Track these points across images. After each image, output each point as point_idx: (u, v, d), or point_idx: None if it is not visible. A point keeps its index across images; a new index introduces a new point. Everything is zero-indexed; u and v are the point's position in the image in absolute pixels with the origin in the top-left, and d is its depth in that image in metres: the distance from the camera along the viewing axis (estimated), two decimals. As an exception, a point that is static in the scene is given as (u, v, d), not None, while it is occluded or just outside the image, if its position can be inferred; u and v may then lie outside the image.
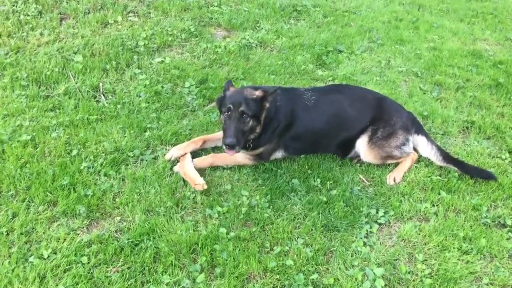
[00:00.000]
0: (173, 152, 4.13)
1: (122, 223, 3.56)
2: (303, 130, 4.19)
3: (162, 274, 3.19)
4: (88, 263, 3.22)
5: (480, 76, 6.01)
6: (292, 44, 6.12)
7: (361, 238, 3.61)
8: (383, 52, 6.39)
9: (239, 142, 3.79)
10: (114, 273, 3.20)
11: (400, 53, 6.42)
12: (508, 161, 4.53)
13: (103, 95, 4.88)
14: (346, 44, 6.38)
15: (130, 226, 3.53)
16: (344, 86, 4.58)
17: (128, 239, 3.40)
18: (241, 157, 4.16)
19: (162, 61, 5.44)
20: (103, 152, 4.14)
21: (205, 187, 3.76)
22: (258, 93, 3.88)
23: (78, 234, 3.45)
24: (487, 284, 3.35)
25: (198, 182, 3.76)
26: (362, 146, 4.27)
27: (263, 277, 3.25)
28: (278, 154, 4.26)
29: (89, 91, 4.87)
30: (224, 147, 3.82)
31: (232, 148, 3.76)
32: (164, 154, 4.17)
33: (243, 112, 3.80)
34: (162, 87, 5.04)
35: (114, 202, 3.73)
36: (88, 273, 3.16)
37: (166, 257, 3.29)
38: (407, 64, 6.15)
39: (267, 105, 3.93)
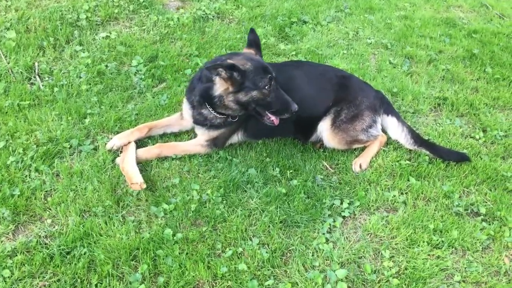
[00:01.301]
0: (114, 141, 3.69)
1: (54, 227, 3.13)
2: None
3: (96, 287, 2.80)
4: (11, 277, 2.80)
5: (453, 47, 5.64)
6: (252, 15, 5.61)
7: (323, 234, 3.29)
8: (351, 22, 5.94)
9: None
10: (40, 287, 2.80)
11: (369, 23, 5.98)
12: (482, 141, 4.23)
13: (39, 76, 4.34)
14: (311, 14, 5.90)
15: (62, 230, 3.11)
16: (303, 63, 4.14)
17: (59, 246, 2.99)
18: (192, 145, 3.75)
19: (107, 36, 4.88)
20: (34, 144, 3.66)
21: (143, 186, 3.34)
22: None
23: (2, 242, 3.02)
24: (459, 282, 3.08)
25: (135, 181, 3.33)
26: (324, 130, 3.89)
27: (212, 285, 2.91)
28: (236, 138, 3.86)
29: (22, 72, 4.32)
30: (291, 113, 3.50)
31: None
32: (105, 144, 3.72)
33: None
34: (106, 66, 4.52)
35: (45, 202, 3.29)
36: (10, 289, 2.75)
37: (102, 266, 2.89)
38: (377, 35, 5.73)
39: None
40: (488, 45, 5.67)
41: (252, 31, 3.75)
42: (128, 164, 3.43)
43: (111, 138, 3.76)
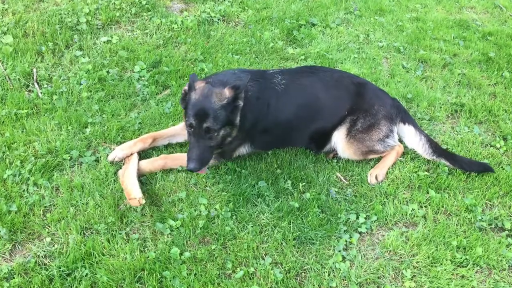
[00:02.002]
0: (116, 153, 3.49)
1: (53, 246, 2.94)
2: (270, 121, 3.56)
3: (99, 312, 2.61)
4: (7, 302, 2.61)
5: (468, 50, 5.42)
6: (259, 18, 5.39)
7: (339, 251, 3.09)
8: (361, 25, 5.73)
9: (204, 163, 3.15)
10: (39, 314, 2.61)
11: (380, 25, 5.76)
12: (503, 150, 4.02)
13: (37, 83, 4.14)
14: (320, 16, 5.68)
15: (62, 249, 2.93)
16: (318, 69, 3.91)
17: (59, 267, 2.80)
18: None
19: (109, 40, 4.68)
20: (33, 156, 3.47)
21: (142, 202, 3.13)
22: (227, 93, 3.13)
23: (-3, 263, 2.83)
24: (486, 304, 2.87)
25: (134, 196, 3.13)
26: (339, 140, 3.68)
27: (223, 309, 2.70)
28: (243, 150, 3.64)
29: (19, 79, 4.12)
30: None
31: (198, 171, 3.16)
32: (107, 155, 3.52)
33: (208, 128, 3.10)
34: (108, 72, 4.32)
35: (44, 218, 3.10)
36: (6, 315, 2.55)
37: (105, 289, 2.70)
38: (388, 38, 5.52)
39: (241, 103, 3.21)
40: (504, 48, 5.45)
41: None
42: (128, 178, 3.23)
43: (113, 149, 3.56)
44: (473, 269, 3.06)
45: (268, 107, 3.50)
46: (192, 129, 3.13)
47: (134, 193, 3.14)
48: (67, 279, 2.76)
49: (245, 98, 3.25)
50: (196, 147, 3.11)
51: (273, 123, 3.57)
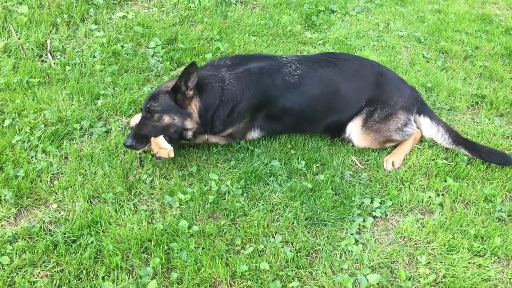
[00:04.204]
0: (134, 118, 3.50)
1: (59, 213, 2.88)
2: (280, 111, 3.46)
3: (103, 280, 2.56)
4: (10, 264, 2.55)
5: (490, 44, 5.29)
6: (277, 2, 5.29)
7: (352, 234, 2.99)
8: (382, 14, 5.61)
9: (140, 142, 3.13)
10: (42, 277, 2.54)
11: (400, 15, 5.64)
12: (525, 143, 3.88)
13: (50, 54, 4.08)
14: (339, 3, 5.57)
15: (68, 216, 2.86)
16: (338, 56, 3.73)
17: (64, 234, 2.74)
18: (210, 136, 3.46)
19: (124, 16, 4.61)
20: (43, 123, 3.41)
21: (171, 155, 3.08)
22: (170, 84, 3.21)
23: (2, 226, 2.76)
24: (503, 295, 2.75)
25: (164, 147, 3.08)
26: (355, 131, 3.57)
27: (230, 284, 2.63)
28: (254, 134, 3.55)
29: (33, 49, 4.06)
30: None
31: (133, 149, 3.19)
32: (128, 123, 3.50)
33: (149, 109, 3.16)
34: (122, 46, 4.25)
35: (51, 185, 3.03)
36: (8, 277, 2.49)
37: (111, 257, 2.63)
38: (409, 28, 5.39)
39: (190, 93, 3.15)
40: (528, 44, 5.32)
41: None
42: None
43: (124, 122, 3.50)
44: (491, 259, 2.94)
45: (272, 97, 3.40)
46: (141, 111, 3.24)
47: (164, 144, 3.09)
48: (72, 246, 2.69)
49: (219, 88, 3.26)
50: (137, 126, 3.17)
51: (284, 113, 3.47)
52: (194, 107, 3.20)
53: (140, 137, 3.12)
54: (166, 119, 3.15)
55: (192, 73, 3.06)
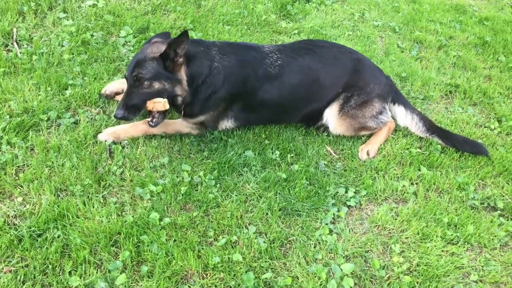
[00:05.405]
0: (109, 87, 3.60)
1: (24, 206, 2.77)
2: (258, 102, 3.42)
3: (70, 274, 2.46)
4: (-28, 261, 2.44)
5: (464, 34, 5.32)
6: (252, -9, 5.23)
7: (326, 224, 2.96)
8: (357, 4, 5.59)
9: (132, 112, 3.09)
10: (5, 273, 2.45)
11: (375, 5, 5.63)
12: (497, 131, 3.92)
13: (16, 43, 3.93)
14: (315, -7, 5.53)
15: (34, 210, 2.75)
16: (316, 44, 3.70)
17: (30, 228, 2.63)
18: (182, 125, 3.39)
19: (94, 4, 4.47)
20: (7, 114, 3.27)
21: (167, 106, 3.09)
22: (163, 47, 3.07)
23: (-36, 221, 2.65)
24: (476, 282, 2.78)
25: (159, 100, 3.09)
26: (331, 116, 3.54)
27: (203, 277, 2.57)
28: (228, 124, 3.49)
29: (-2, 38, 3.91)
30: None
31: (126, 120, 3.13)
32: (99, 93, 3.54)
33: (137, 77, 3.05)
34: (92, 35, 4.12)
35: (16, 178, 2.92)
36: (-31, 275, 2.38)
37: (78, 251, 2.55)
38: (384, 17, 5.39)
39: (180, 60, 3.09)
40: (501, 33, 5.37)
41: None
42: None
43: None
44: (464, 247, 2.95)
45: (251, 87, 3.36)
46: (126, 80, 3.13)
47: (157, 98, 3.09)
48: (37, 240, 2.59)
49: (207, 65, 3.22)
50: (126, 95, 3.10)
51: (262, 104, 3.43)
52: (184, 73, 3.15)
53: (131, 106, 3.06)
54: (157, 85, 3.08)
55: (183, 41, 3.00)
